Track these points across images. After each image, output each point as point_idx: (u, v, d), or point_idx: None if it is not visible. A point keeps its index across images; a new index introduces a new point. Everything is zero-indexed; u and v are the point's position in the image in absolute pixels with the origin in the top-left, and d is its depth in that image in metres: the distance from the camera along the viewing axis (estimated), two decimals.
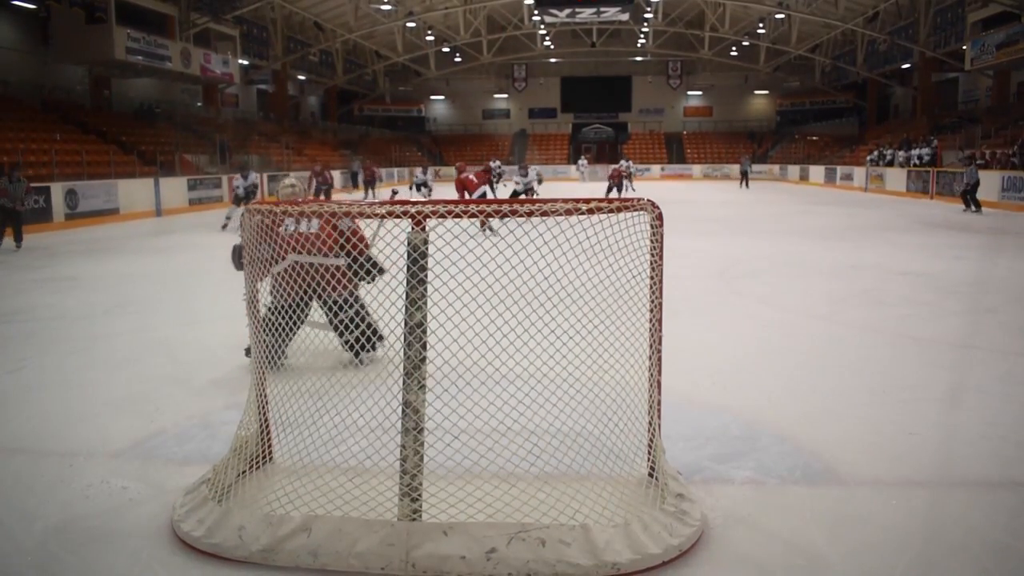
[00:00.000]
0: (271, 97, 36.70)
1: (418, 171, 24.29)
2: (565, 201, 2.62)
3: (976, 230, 13.78)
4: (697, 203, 22.04)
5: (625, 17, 35.87)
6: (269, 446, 3.24)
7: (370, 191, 24.80)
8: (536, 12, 35.28)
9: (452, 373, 3.02)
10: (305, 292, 4.21)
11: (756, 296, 7.61)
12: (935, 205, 20.56)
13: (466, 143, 46.30)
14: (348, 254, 4.23)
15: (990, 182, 18.00)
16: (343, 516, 2.64)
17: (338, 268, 4.25)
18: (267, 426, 3.23)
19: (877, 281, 8.14)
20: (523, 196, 16.61)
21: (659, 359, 2.95)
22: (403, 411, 2.63)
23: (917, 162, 25.20)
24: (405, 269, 2.62)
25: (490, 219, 2.73)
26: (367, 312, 4.19)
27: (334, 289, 4.32)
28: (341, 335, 4.40)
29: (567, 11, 34.07)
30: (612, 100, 48.47)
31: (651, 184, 34.46)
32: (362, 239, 4.40)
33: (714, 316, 6.55)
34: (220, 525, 2.66)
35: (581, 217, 2.70)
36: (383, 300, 2.80)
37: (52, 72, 23.61)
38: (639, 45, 42.84)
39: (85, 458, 3.47)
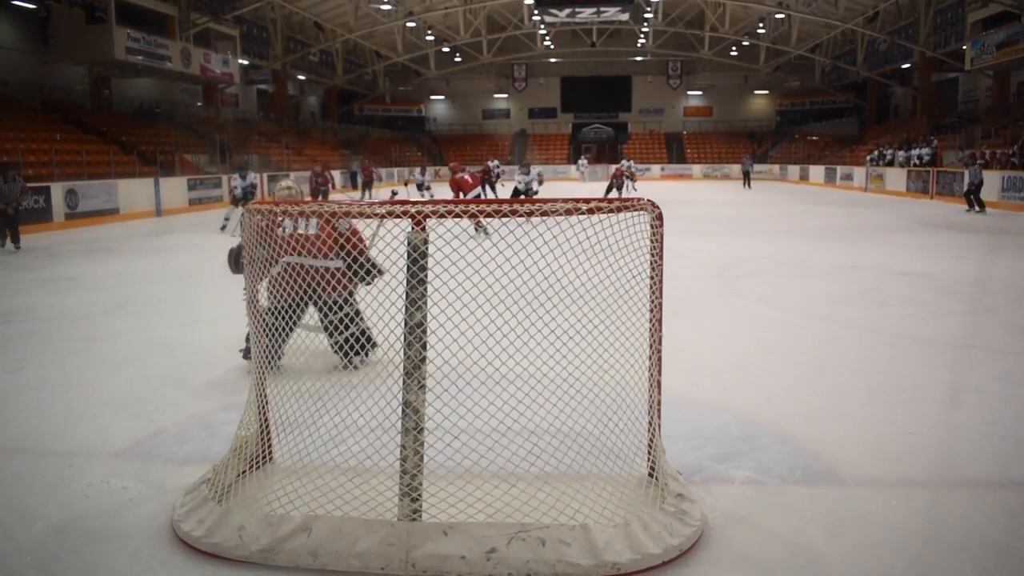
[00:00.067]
0: (271, 97, 36.70)
1: (416, 172, 24.22)
2: (565, 201, 2.62)
3: (976, 230, 13.78)
4: (697, 203, 22.04)
5: (625, 17, 35.86)
6: (269, 446, 3.24)
7: (367, 192, 24.72)
8: (536, 12, 35.27)
9: (452, 373, 3.02)
10: (301, 294, 4.20)
11: (756, 296, 7.61)
12: (935, 205, 20.56)
13: (466, 143, 46.30)
14: (347, 255, 4.23)
15: (990, 182, 17.99)
16: (343, 516, 2.64)
17: (336, 270, 4.25)
18: (267, 426, 3.23)
19: (877, 281, 8.14)
20: (523, 196, 16.49)
21: (659, 359, 2.95)
22: (403, 411, 2.63)
23: (917, 162, 25.20)
24: (405, 269, 2.62)
25: (484, 220, 2.72)
26: (360, 316, 4.18)
27: (333, 290, 4.31)
28: (331, 335, 4.38)
29: (567, 11, 34.06)
30: (612, 100, 48.46)
31: (651, 184, 34.45)
32: (360, 240, 4.39)
33: (714, 316, 6.55)
34: (220, 525, 2.66)
35: (581, 217, 2.70)
36: (383, 300, 2.80)
37: (52, 72, 23.61)
38: (639, 45, 42.84)
39: (85, 458, 3.47)
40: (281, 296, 3.97)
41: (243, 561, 2.55)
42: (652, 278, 2.92)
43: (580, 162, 40.50)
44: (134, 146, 21.78)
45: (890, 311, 6.61)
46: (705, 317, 6.43)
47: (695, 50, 42.11)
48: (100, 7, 21.52)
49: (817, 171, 33.85)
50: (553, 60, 46.46)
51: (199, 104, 30.18)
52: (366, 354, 4.13)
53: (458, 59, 44.11)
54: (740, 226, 15.11)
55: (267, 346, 3.27)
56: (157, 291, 8.23)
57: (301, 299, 4.27)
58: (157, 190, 19.22)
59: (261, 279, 3.35)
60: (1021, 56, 23.72)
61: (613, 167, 26.32)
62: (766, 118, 47.70)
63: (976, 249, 11.21)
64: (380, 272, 3.25)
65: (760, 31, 38.57)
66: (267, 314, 3.58)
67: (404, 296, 2.62)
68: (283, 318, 3.60)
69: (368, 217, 2.76)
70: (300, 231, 4.38)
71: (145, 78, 27.01)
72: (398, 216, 2.61)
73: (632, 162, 32.74)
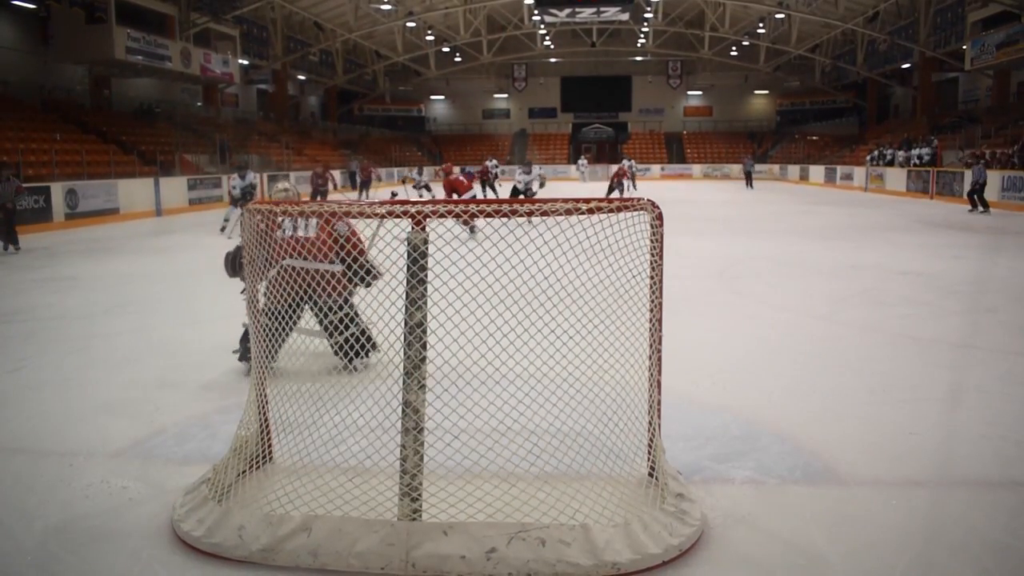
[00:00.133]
0: (271, 97, 36.70)
1: (413, 172, 24.13)
2: (565, 201, 2.62)
3: (976, 230, 13.78)
4: (697, 203, 22.04)
5: (625, 17, 35.85)
6: (269, 446, 3.24)
7: (364, 192, 24.65)
8: (536, 12, 35.26)
9: (452, 373, 3.02)
10: (298, 296, 4.18)
11: (756, 296, 7.61)
12: (935, 205, 20.56)
13: (466, 143, 46.30)
14: (346, 256, 4.21)
15: (991, 182, 17.98)
16: (343, 516, 2.64)
17: (332, 273, 4.24)
18: (267, 426, 3.23)
19: (877, 281, 8.14)
20: (522, 196, 16.28)
21: (659, 359, 2.95)
22: (403, 411, 2.63)
23: (917, 162, 25.20)
24: (405, 269, 2.62)
25: (474, 222, 2.72)
26: (359, 317, 4.16)
27: (329, 294, 4.29)
28: (331, 336, 4.35)
29: (567, 11, 34.05)
30: (612, 100, 48.46)
31: (651, 184, 34.45)
32: (358, 243, 4.37)
33: (714, 316, 6.55)
34: (220, 525, 2.66)
35: (581, 217, 2.70)
36: (383, 300, 2.80)
37: (52, 72, 23.60)
38: (639, 45, 42.84)
39: (85, 458, 3.47)
40: (278, 298, 3.96)
41: (243, 561, 2.55)
42: (652, 278, 2.92)
43: (580, 162, 40.49)
44: (134, 146, 21.78)
45: (890, 311, 6.61)
46: (705, 317, 6.43)
47: (695, 50, 42.11)
48: (100, 7, 21.52)
49: (817, 171, 33.85)
50: (553, 60, 46.46)
51: (199, 104, 30.18)
52: (366, 354, 4.11)
53: (458, 59, 44.11)
54: (740, 226, 15.11)
55: (265, 347, 3.26)
56: (157, 291, 8.23)
57: (298, 301, 4.26)
58: (157, 190, 19.22)
59: (260, 280, 3.35)
60: (1021, 56, 23.72)
61: (614, 167, 26.18)
62: (766, 118, 47.70)
63: (976, 249, 11.21)
64: (378, 275, 3.25)
65: (760, 31, 38.57)
66: (264, 316, 3.56)
67: (404, 296, 2.62)
68: (280, 320, 3.58)
69: (368, 217, 2.76)
70: (299, 233, 4.37)
71: (145, 78, 27.00)
72: (398, 216, 2.61)
73: (633, 162, 32.72)
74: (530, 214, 2.71)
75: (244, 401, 3.31)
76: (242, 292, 4.95)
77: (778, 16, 35.08)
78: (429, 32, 39.81)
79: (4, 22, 22.91)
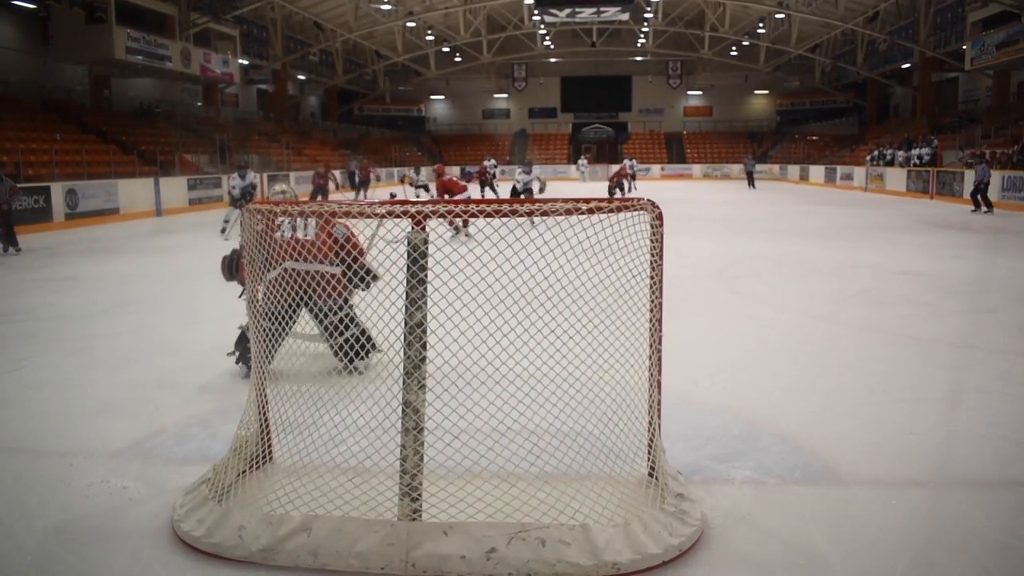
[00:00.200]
0: (271, 97, 36.70)
1: (411, 172, 24.07)
2: (565, 201, 2.62)
3: (976, 230, 13.78)
4: (697, 203, 22.03)
5: (625, 17, 35.84)
6: (269, 446, 3.24)
7: (362, 192, 24.62)
8: (536, 12, 35.25)
9: (452, 373, 3.02)
10: (297, 298, 4.14)
11: (756, 296, 7.61)
12: (935, 205, 20.56)
13: (466, 143, 46.31)
14: (343, 260, 4.19)
15: (991, 182, 17.94)
16: (343, 516, 2.64)
17: (332, 275, 4.22)
18: (267, 426, 3.23)
19: (877, 281, 8.14)
20: (522, 197, 16.09)
21: (659, 359, 2.95)
22: (403, 411, 2.63)
23: (917, 162, 25.20)
24: (405, 269, 2.62)
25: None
26: (357, 319, 4.14)
27: (329, 296, 4.27)
28: (332, 337, 4.31)
29: (567, 11, 34.03)
30: (612, 100, 48.45)
31: (651, 184, 34.45)
32: (356, 245, 4.34)
33: (714, 316, 6.55)
34: (220, 525, 2.66)
35: (581, 217, 2.70)
36: (382, 300, 2.80)
37: (52, 72, 23.60)
38: (639, 45, 42.83)
39: (85, 458, 3.47)
40: (277, 300, 3.93)
41: (243, 561, 2.55)
42: (652, 278, 2.92)
43: (580, 162, 40.48)
44: (134, 146, 21.78)
45: (890, 311, 6.61)
46: (705, 317, 6.43)
47: (695, 50, 42.10)
48: (100, 7, 21.52)
49: (817, 171, 33.84)
50: (553, 60, 46.46)
51: (199, 104, 30.18)
52: (367, 353, 4.10)
53: (458, 59, 44.11)
54: (740, 226, 15.11)
55: (265, 348, 3.26)
56: (157, 291, 8.23)
57: (297, 303, 4.23)
58: (157, 190, 19.22)
59: (260, 281, 3.34)
60: (1021, 56, 23.71)
61: (614, 167, 26.06)
62: (766, 118, 47.70)
63: (976, 249, 11.21)
64: (375, 277, 3.25)
65: (760, 31, 38.56)
66: (263, 318, 3.54)
67: (404, 296, 2.62)
68: (278, 322, 3.57)
69: (368, 217, 2.76)
70: (299, 234, 4.35)
71: (145, 78, 27.00)
72: (398, 216, 2.61)
73: (634, 161, 32.69)
74: (530, 214, 2.71)
75: (244, 401, 3.31)
76: (240, 296, 4.96)
77: (778, 16, 35.07)
78: (429, 32, 39.80)
79: (4, 22, 22.91)
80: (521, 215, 2.68)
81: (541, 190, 16.30)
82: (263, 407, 3.21)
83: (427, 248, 2.64)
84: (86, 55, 22.63)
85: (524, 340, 2.84)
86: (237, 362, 4.64)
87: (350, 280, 4.14)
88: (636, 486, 2.96)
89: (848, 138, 37.78)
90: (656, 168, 42.59)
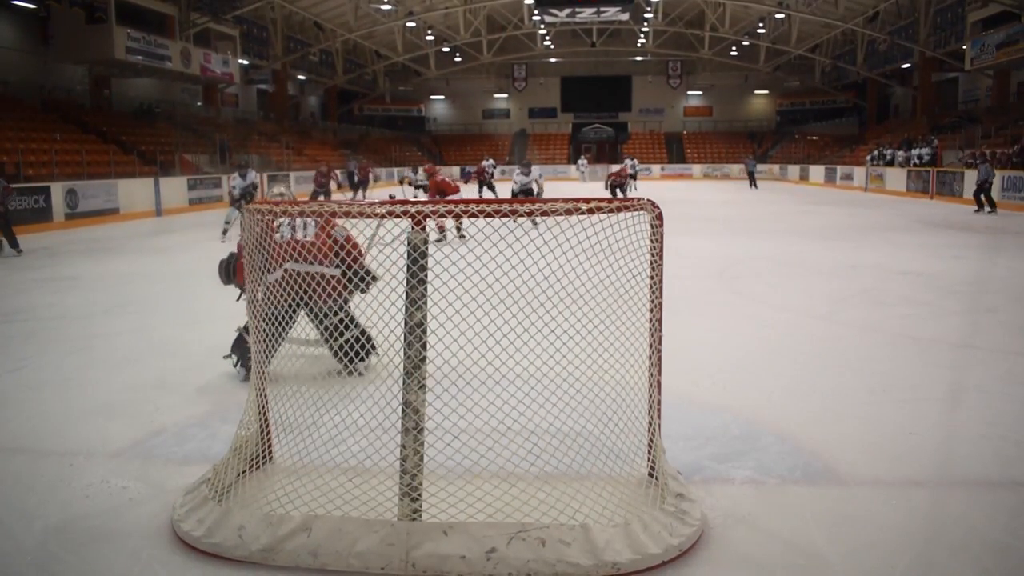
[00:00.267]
0: (271, 97, 36.70)
1: (409, 172, 24.02)
2: (565, 201, 2.62)
3: (976, 230, 13.78)
4: (697, 203, 22.04)
5: (625, 17, 35.85)
6: (269, 446, 3.24)
7: (360, 191, 24.59)
8: (536, 12, 35.25)
9: (452, 373, 3.02)
10: (296, 300, 4.09)
11: (756, 296, 7.61)
12: (935, 205, 20.56)
13: (466, 143, 46.31)
14: (343, 261, 4.17)
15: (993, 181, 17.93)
16: (343, 516, 2.64)
17: (332, 277, 4.20)
18: (267, 426, 3.23)
19: (877, 281, 8.14)
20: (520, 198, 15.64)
21: (659, 359, 2.95)
22: (403, 411, 2.63)
23: (917, 162, 25.20)
24: (405, 269, 2.61)
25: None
26: (355, 321, 4.12)
27: (329, 296, 4.24)
28: (333, 339, 4.25)
29: (567, 11, 34.03)
30: (612, 100, 48.46)
31: (651, 184, 34.45)
32: (355, 247, 4.31)
33: (714, 316, 6.55)
34: (220, 525, 2.66)
35: (581, 217, 2.70)
36: (382, 300, 2.80)
37: (52, 72, 23.61)
38: (639, 45, 42.83)
39: (85, 458, 3.47)
40: (276, 303, 3.90)
41: (243, 561, 2.55)
42: (652, 278, 2.92)
43: (580, 162, 40.48)
44: (134, 146, 21.78)
45: (890, 311, 6.61)
46: (705, 317, 6.43)
47: (695, 50, 42.11)
48: (100, 7, 21.52)
49: (817, 171, 33.84)
50: (553, 60, 46.46)
51: (199, 104, 30.19)
52: (367, 354, 4.08)
53: (458, 59, 44.11)
54: (740, 226, 15.11)
55: (264, 349, 3.25)
56: (157, 291, 8.23)
57: (295, 306, 4.19)
58: (157, 190, 19.22)
59: (260, 283, 3.33)
60: (1021, 56, 23.71)
61: (614, 167, 25.90)
62: (766, 118, 47.70)
63: (976, 249, 11.21)
64: (373, 279, 3.24)
65: (760, 31, 38.56)
66: (262, 320, 3.51)
67: (404, 296, 2.62)
68: (276, 325, 3.55)
69: (368, 217, 2.75)
70: (298, 235, 4.33)
71: (145, 78, 27.01)
72: (398, 216, 2.61)
73: (636, 161, 32.63)
74: (530, 214, 2.71)
75: (244, 401, 3.31)
76: (238, 299, 4.95)
77: (778, 16, 35.07)
78: (429, 32, 39.80)
79: (4, 22, 22.92)
80: (521, 215, 2.68)
81: (538, 194, 15.72)
82: (263, 407, 3.21)
83: (427, 248, 2.64)
84: (86, 55, 22.63)
85: (524, 340, 2.83)
86: (235, 365, 4.61)
87: (350, 280, 4.13)
88: (636, 486, 2.96)
89: (848, 138, 37.78)
90: (656, 168, 42.58)
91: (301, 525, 2.59)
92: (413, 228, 2.61)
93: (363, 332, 3.93)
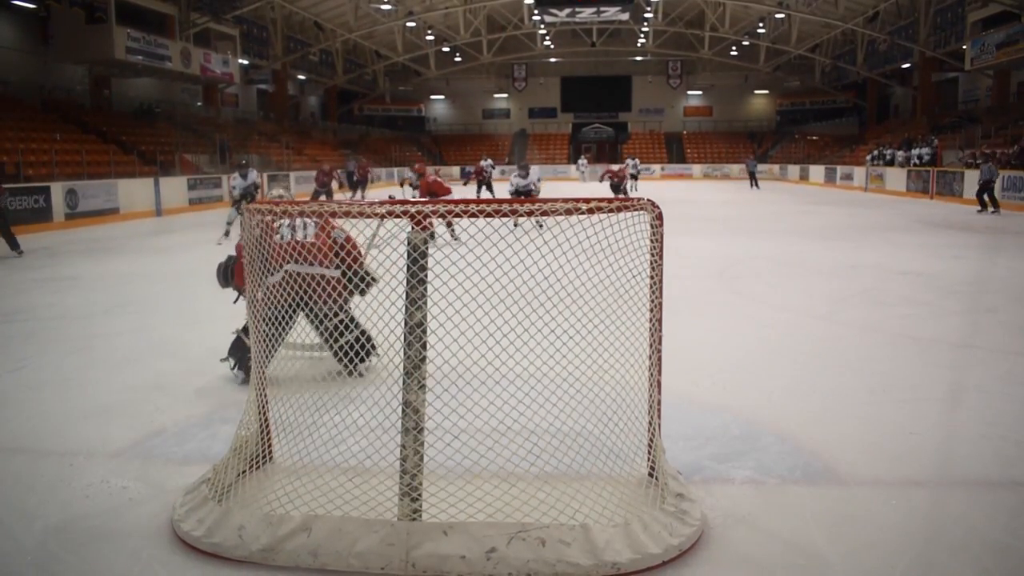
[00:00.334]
0: (271, 97, 36.70)
1: (408, 172, 23.98)
2: (565, 201, 2.62)
3: (976, 230, 13.78)
4: (697, 203, 22.04)
5: (625, 17, 35.86)
6: (269, 446, 3.24)
7: (359, 191, 24.57)
8: (536, 12, 35.26)
9: (452, 373, 3.02)
10: (296, 302, 4.05)
11: (756, 296, 7.61)
12: (935, 205, 20.56)
13: (466, 143, 46.31)
14: (342, 262, 4.16)
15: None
16: (343, 516, 2.64)
17: (333, 278, 4.17)
18: (267, 426, 3.23)
19: (877, 281, 8.14)
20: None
21: (659, 359, 2.95)
22: (403, 411, 2.63)
23: (917, 162, 25.20)
24: (405, 269, 2.61)
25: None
26: (356, 322, 4.11)
27: (329, 297, 4.22)
28: (334, 341, 4.20)
29: (567, 11, 34.04)
30: (612, 100, 48.46)
31: (651, 184, 34.44)
32: (355, 247, 4.28)
33: (714, 316, 6.55)
34: (220, 525, 2.66)
35: (581, 217, 2.70)
36: (382, 300, 2.80)
37: (52, 72, 23.60)
38: (639, 45, 42.83)
39: (85, 458, 3.47)
40: (277, 304, 3.88)
41: (243, 561, 2.55)
42: (652, 278, 2.92)
43: (580, 162, 40.48)
44: (134, 146, 21.78)
45: (890, 311, 6.61)
46: (705, 317, 6.43)
47: (695, 50, 42.11)
48: (100, 7, 21.52)
49: (817, 171, 33.85)
50: (553, 60, 46.46)
51: (199, 104, 30.19)
52: (367, 354, 4.08)
53: (458, 59, 44.11)
54: (740, 226, 15.11)
55: (264, 349, 3.25)
56: (157, 291, 8.23)
57: (295, 307, 4.15)
58: (157, 190, 19.22)
59: (260, 284, 3.32)
60: (1021, 56, 23.71)
61: (614, 167, 25.80)
62: (766, 118, 47.70)
63: (976, 249, 11.21)
64: (373, 280, 3.23)
65: (760, 31, 38.56)
66: (262, 322, 3.50)
67: (404, 296, 2.62)
68: (276, 327, 3.54)
69: (368, 217, 2.75)
70: (298, 236, 4.31)
71: (145, 78, 27.01)
72: (398, 216, 2.61)
73: (637, 161, 32.57)
74: (530, 214, 2.71)
75: (244, 401, 3.31)
76: (235, 302, 4.94)
77: (778, 16, 35.08)
78: (429, 32, 39.80)
79: (4, 22, 22.91)
80: (521, 215, 2.67)
81: (537, 193, 15.24)
82: (263, 407, 3.21)
83: (427, 248, 2.64)
84: (86, 55, 22.63)
85: (524, 340, 2.83)
86: (233, 368, 4.57)
87: (350, 280, 4.12)
88: (636, 486, 2.96)
89: (848, 138, 37.78)
90: (656, 168, 42.58)
91: (301, 525, 2.59)
92: (412, 228, 2.61)
93: (363, 333, 3.93)
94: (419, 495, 2.61)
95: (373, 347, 3.89)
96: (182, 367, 4.95)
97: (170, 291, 8.19)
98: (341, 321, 4.20)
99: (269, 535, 2.58)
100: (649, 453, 3.03)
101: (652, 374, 2.97)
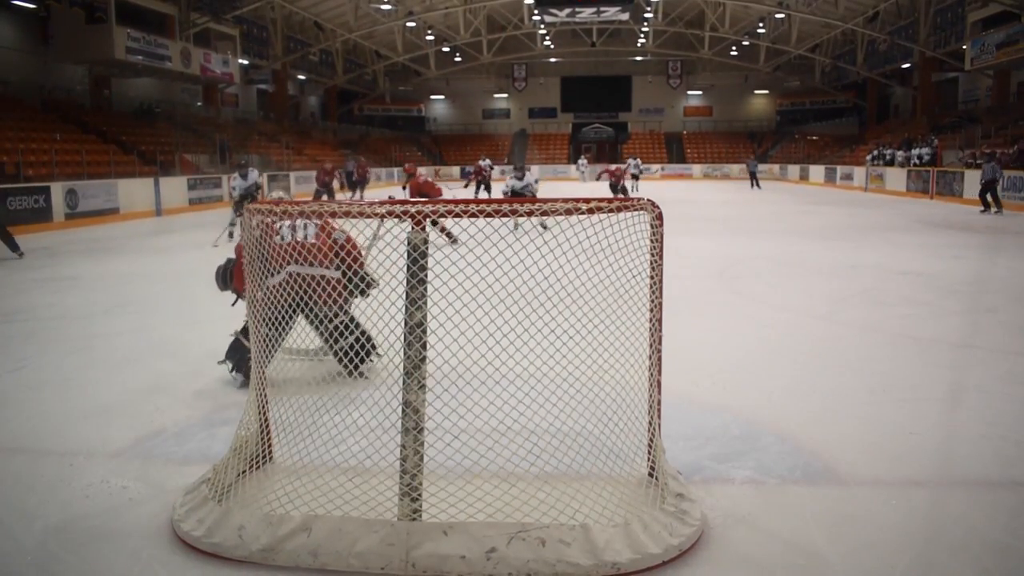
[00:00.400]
0: (271, 97, 36.70)
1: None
2: (565, 201, 2.62)
3: (976, 230, 13.78)
4: (697, 203, 22.04)
5: (625, 17, 35.86)
6: (269, 446, 3.24)
7: (358, 191, 24.56)
8: (536, 12, 35.26)
9: (452, 373, 3.02)
10: (296, 304, 4.01)
11: (756, 296, 7.61)
12: (935, 205, 20.56)
13: (466, 143, 46.32)
14: (342, 262, 4.15)
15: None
16: (343, 516, 2.64)
17: (334, 279, 4.16)
18: (267, 426, 3.23)
19: (877, 281, 8.14)
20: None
21: (659, 359, 2.95)
22: (403, 411, 2.63)
23: (917, 162, 25.20)
24: (405, 269, 2.61)
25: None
26: (357, 323, 4.10)
27: (330, 298, 4.19)
28: (335, 342, 4.17)
29: (567, 11, 34.05)
30: (612, 100, 48.47)
31: (651, 184, 34.43)
32: (354, 248, 4.27)
33: (714, 316, 6.55)
34: (220, 525, 2.66)
35: (581, 217, 2.70)
36: (382, 300, 2.80)
37: (52, 72, 23.61)
38: (639, 45, 42.84)
39: (85, 458, 3.47)
40: (277, 305, 3.87)
41: (243, 561, 2.55)
42: (652, 278, 2.92)
43: (580, 162, 40.49)
44: (134, 146, 21.79)
45: (890, 311, 6.61)
46: (705, 317, 6.43)
47: (695, 50, 42.11)
48: (100, 7, 21.52)
49: (817, 171, 33.85)
50: (553, 60, 46.46)
51: (199, 104, 30.19)
52: (367, 354, 4.07)
53: (458, 59, 44.12)
54: (740, 226, 15.11)
55: (264, 350, 3.24)
56: (157, 291, 8.23)
57: (295, 309, 4.13)
58: (157, 190, 19.22)
59: (261, 284, 3.32)
60: (1021, 56, 23.72)
61: (613, 166, 25.71)
62: (766, 118, 47.71)
63: (976, 249, 11.21)
64: (373, 283, 3.22)
65: (760, 31, 38.57)
66: (262, 323, 3.48)
67: (404, 296, 2.62)
68: (276, 328, 3.53)
69: (368, 217, 2.75)
70: (299, 236, 4.30)
71: (145, 78, 27.01)
72: (398, 216, 2.61)
73: (639, 160, 32.54)
74: (530, 214, 2.71)
75: (243, 401, 3.31)
76: (233, 304, 4.94)
77: (778, 16, 35.09)
78: (429, 32, 39.81)
79: (4, 22, 22.92)
80: (521, 215, 2.67)
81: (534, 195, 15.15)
82: (263, 407, 3.21)
83: (427, 248, 2.64)
84: (86, 55, 22.63)
85: (524, 340, 2.83)
86: (231, 371, 4.53)
87: (350, 280, 4.11)
88: (636, 486, 2.96)
89: (848, 138, 37.79)
90: (656, 168, 42.58)
91: (301, 525, 2.59)
92: (412, 228, 2.61)
93: (364, 334, 3.92)
94: (419, 495, 2.61)
95: (373, 347, 3.89)
96: (182, 367, 4.95)
97: (170, 291, 8.19)
98: (342, 322, 4.19)
99: (269, 535, 2.58)
100: (649, 453, 3.03)
101: (652, 374, 2.97)
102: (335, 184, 19.54)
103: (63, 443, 3.67)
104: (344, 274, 4.05)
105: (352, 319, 4.16)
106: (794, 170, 37.35)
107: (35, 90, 22.00)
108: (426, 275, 2.62)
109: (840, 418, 3.92)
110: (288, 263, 3.99)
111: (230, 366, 4.54)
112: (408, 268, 2.60)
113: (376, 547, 2.50)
